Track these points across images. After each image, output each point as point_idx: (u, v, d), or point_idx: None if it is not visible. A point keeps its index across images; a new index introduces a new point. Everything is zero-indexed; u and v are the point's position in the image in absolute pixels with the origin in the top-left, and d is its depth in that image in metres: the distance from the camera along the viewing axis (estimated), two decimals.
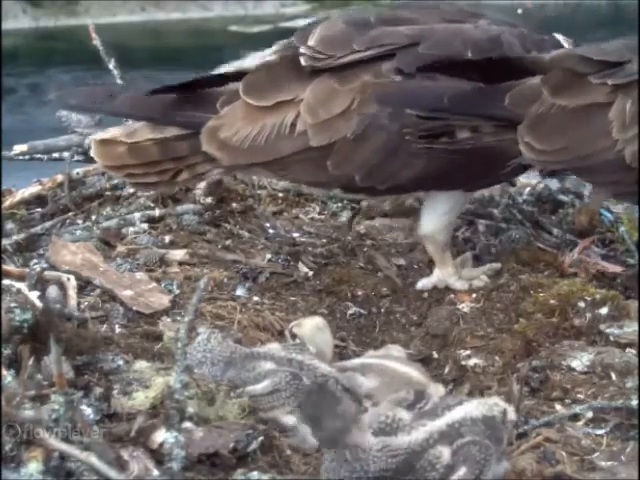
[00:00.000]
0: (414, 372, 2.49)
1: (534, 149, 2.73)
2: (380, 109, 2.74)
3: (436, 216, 3.06)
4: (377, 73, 2.79)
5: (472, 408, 2.09)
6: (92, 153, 2.95)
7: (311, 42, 2.83)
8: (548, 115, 2.72)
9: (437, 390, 2.47)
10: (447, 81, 2.71)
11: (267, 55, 2.93)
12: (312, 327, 2.51)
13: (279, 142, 2.78)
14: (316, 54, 2.81)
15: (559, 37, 3.01)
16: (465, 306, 3.00)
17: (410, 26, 2.89)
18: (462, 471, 1.96)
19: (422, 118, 2.73)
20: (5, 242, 3.26)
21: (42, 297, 2.66)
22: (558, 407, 2.47)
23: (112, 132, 2.93)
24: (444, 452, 1.98)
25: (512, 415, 2.19)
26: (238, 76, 2.88)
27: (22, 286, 2.74)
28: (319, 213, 3.83)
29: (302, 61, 2.81)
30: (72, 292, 2.81)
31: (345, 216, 3.77)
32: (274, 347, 2.46)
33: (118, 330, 2.69)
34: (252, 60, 2.93)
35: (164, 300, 2.86)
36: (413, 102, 2.75)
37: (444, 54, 2.78)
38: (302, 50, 2.83)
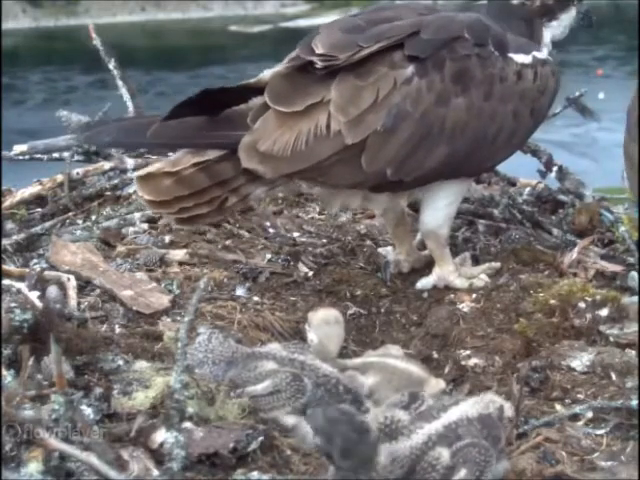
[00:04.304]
0: (414, 368, 2.49)
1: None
2: (403, 99, 2.81)
3: (437, 210, 3.08)
4: (391, 64, 2.85)
5: (468, 407, 2.09)
6: (138, 191, 2.91)
7: (319, 50, 2.84)
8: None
9: (438, 385, 2.47)
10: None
11: (275, 69, 2.93)
12: (321, 318, 2.51)
13: (317, 145, 2.79)
14: (328, 58, 2.83)
15: None
16: (465, 306, 3.00)
17: (403, 20, 2.95)
18: (463, 473, 1.96)
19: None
20: (5, 242, 3.26)
21: (42, 297, 2.66)
22: (558, 407, 2.47)
23: (154, 166, 2.89)
24: (443, 453, 1.98)
25: (509, 411, 2.19)
26: (254, 90, 2.87)
27: (22, 286, 2.74)
28: (319, 213, 3.83)
29: (318, 65, 2.82)
30: (72, 292, 2.82)
31: (345, 216, 3.77)
32: (275, 347, 2.46)
33: (118, 330, 2.69)
34: (265, 74, 2.92)
35: (164, 300, 2.86)
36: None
37: (445, 37, 2.89)
38: (313, 58, 2.84)
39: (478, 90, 2.90)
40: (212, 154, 2.82)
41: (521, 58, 2.98)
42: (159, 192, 2.83)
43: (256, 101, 2.85)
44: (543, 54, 3.07)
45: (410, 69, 2.84)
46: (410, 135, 2.84)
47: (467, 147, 2.93)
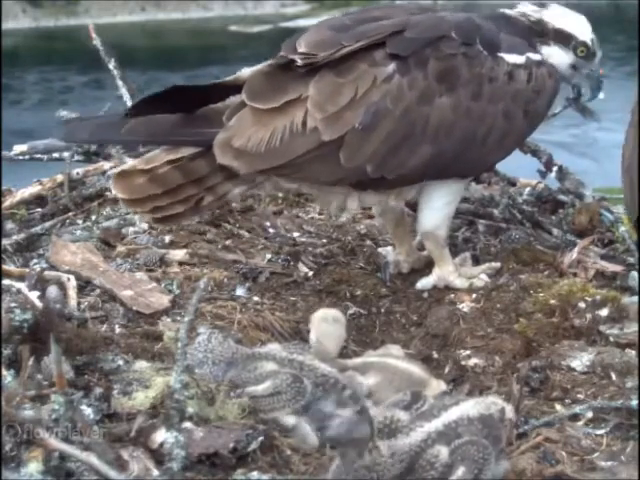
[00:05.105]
0: (415, 369, 2.50)
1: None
2: (383, 97, 2.80)
3: (434, 211, 3.07)
4: (372, 62, 2.84)
5: (469, 407, 2.09)
6: (112, 189, 2.93)
7: (301, 49, 2.86)
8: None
9: (439, 386, 2.48)
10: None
11: (255, 67, 2.95)
12: (320, 316, 2.51)
13: (293, 142, 2.80)
14: (309, 56, 2.84)
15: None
16: (465, 306, 3.00)
17: (390, 19, 2.95)
18: (461, 471, 1.97)
19: None
20: (5, 242, 3.26)
21: (42, 297, 2.66)
22: (558, 407, 2.47)
23: (128, 164, 2.92)
24: (442, 452, 1.99)
25: (510, 413, 2.19)
26: (232, 88, 2.88)
27: (22, 286, 2.74)
28: (319, 213, 3.83)
29: (298, 62, 2.83)
30: (72, 292, 2.82)
31: (345, 216, 3.77)
32: (275, 347, 2.46)
33: (118, 330, 2.69)
34: (243, 73, 2.94)
35: (164, 300, 2.86)
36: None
37: (430, 36, 2.88)
38: (294, 56, 2.85)
39: (465, 89, 2.88)
40: (187, 151, 2.83)
41: (513, 58, 2.95)
42: (133, 190, 2.85)
43: (234, 99, 2.86)
44: (539, 55, 3.04)
45: (391, 67, 2.84)
46: (391, 133, 2.84)
47: (455, 147, 2.91)
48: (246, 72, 2.92)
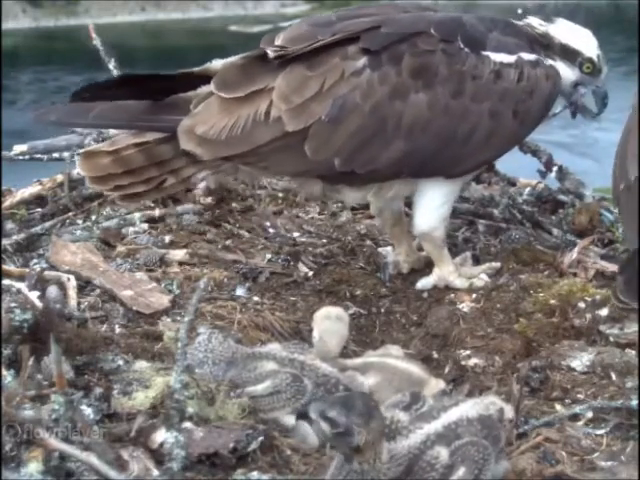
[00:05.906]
0: (414, 369, 2.50)
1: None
2: (352, 91, 2.80)
3: (430, 211, 3.05)
4: (344, 56, 2.84)
5: (468, 408, 2.09)
6: (77, 167, 3.00)
7: (277, 42, 2.88)
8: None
9: (438, 385, 2.48)
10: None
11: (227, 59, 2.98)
12: (322, 314, 2.52)
13: (256, 130, 2.82)
14: (282, 49, 2.85)
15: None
16: (465, 306, 3.00)
17: (371, 16, 2.95)
18: (461, 471, 1.97)
19: None
20: (5, 242, 3.26)
21: (42, 297, 2.66)
22: (558, 407, 2.47)
23: (95, 145, 3.01)
24: (442, 452, 1.99)
25: (509, 413, 2.19)
26: (204, 78, 2.91)
27: (22, 286, 2.74)
28: (319, 213, 3.83)
29: (270, 55, 2.84)
30: (72, 292, 2.82)
31: (345, 216, 3.77)
32: (275, 347, 2.46)
33: (118, 330, 2.70)
34: (214, 64, 2.96)
35: (164, 300, 2.86)
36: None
37: (407, 32, 2.86)
38: (269, 49, 2.87)
39: (443, 86, 2.84)
40: (152, 136, 2.88)
41: (500, 57, 2.91)
42: (96, 169, 2.90)
43: (204, 89, 2.89)
44: (534, 56, 2.99)
45: (362, 61, 2.83)
46: (360, 127, 2.82)
47: (431, 145, 2.88)
48: (217, 63, 2.95)
